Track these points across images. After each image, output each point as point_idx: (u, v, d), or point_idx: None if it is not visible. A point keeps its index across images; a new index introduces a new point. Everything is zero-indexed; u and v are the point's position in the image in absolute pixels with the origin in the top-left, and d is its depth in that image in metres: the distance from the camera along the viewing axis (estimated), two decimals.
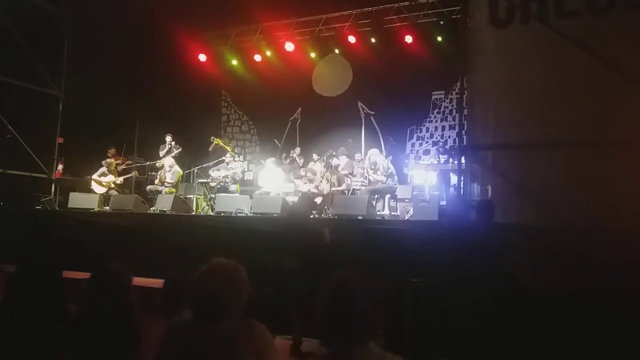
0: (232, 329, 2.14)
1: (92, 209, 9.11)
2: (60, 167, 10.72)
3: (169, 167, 10.03)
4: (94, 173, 10.12)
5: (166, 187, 9.89)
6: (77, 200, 9.31)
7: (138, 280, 2.81)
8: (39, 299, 2.63)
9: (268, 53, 12.15)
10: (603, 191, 5.61)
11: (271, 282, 5.03)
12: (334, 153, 9.59)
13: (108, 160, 10.13)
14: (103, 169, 10.10)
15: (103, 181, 9.99)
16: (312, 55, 11.98)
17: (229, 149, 10.75)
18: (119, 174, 10.22)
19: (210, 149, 11.08)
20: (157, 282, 4.02)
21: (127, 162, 10.63)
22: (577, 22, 5.97)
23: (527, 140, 6.12)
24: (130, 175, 10.34)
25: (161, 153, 10.44)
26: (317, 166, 9.74)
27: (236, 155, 11.72)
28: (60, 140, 10.80)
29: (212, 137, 11.27)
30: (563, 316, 4.52)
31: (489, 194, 6.11)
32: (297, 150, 10.77)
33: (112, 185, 10.01)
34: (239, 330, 2.15)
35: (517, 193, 6.07)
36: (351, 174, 9.36)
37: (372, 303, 1.93)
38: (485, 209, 4.95)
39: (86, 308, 2.61)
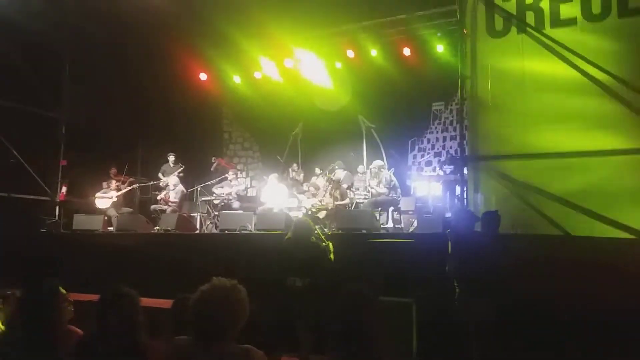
0: (230, 353, 2.10)
1: (97, 230, 9.12)
2: (64, 189, 10.76)
3: (173, 186, 10.07)
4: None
5: (170, 206, 9.91)
6: (81, 221, 9.31)
7: (144, 301, 2.81)
8: (42, 322, 2.63)
9: (268, 70, 12.20)
10: (606, 199, 5.60)
11: (277, 299, 5.01)
12: (336, 167, 9.60)
13: (108, 182, 10.31)
14: (104, 190, 10.30)
15: (105, 196, 10.11)
16: (312, 69, 12.01)
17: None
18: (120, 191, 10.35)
19: (212, 169, 11.13)
20: (162, 303, 4.01)
21: (129, 180, 10.70)
22: (572, 30, 6.02)
23: (529, 149, 6.12)
24: (132, 187, 10.48)
25: (161, 174, 10.50)
26: (319, 180, 9.75)
27: (239, 172, 11.75)
28: (63, 162, 10.84)
29: (213, 157, 11.33)
30: (572, 326, 4.48)
31: (493, 204, 6.10)
32: (294, 166, 10.76)
33: (114, 199, 10.10)
34: (236, 355, 2.11)
35: (521, 202, 6.06)
36: (351, 187, 9.34)
37: (382, 322, 1.91)
38: (491, 220, 4.94)
39: (94, 330, 2.60)
